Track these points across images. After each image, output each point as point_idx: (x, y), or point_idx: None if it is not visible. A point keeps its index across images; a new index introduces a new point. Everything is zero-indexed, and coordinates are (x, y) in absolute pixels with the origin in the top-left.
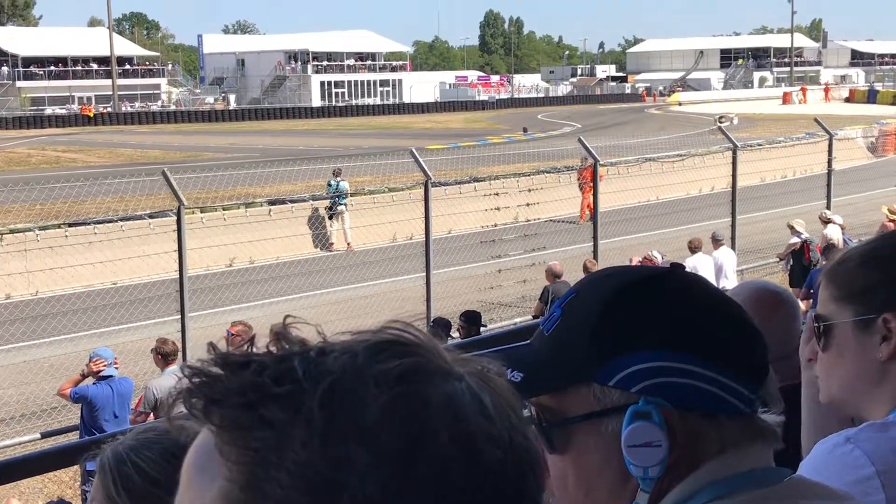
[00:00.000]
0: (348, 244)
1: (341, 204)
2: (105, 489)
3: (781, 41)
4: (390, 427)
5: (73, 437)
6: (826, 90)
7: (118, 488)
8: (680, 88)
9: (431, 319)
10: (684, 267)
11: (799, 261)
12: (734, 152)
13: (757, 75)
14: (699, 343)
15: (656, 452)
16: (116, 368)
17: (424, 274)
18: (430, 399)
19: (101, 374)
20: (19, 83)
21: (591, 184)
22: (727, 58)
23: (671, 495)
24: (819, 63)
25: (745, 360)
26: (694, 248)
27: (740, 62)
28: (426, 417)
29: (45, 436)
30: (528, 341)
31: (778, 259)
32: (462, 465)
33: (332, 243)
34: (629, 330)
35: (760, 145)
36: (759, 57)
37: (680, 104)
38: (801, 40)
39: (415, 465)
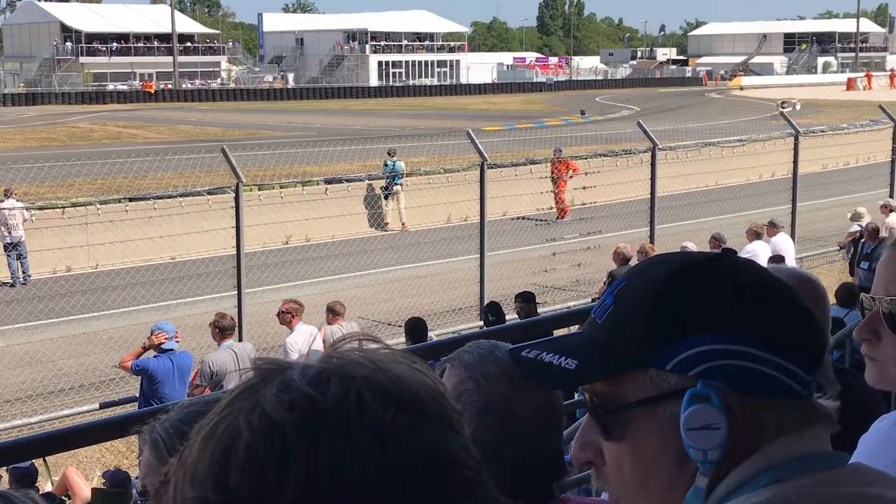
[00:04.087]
0: (403, 224)
1: (397, 184)
2: (157, 459)
3: (846, 26)
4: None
5: (131, 408)
6: (892, 76)
7: (168, 459)
8: (742, 73)
9: (486, 303)
10: (735, 252)
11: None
12: (796, 138)
13: (821, 60)
14: (754, 325)
15: (716, 435)
16: (177, 342)
17: (479, 256)
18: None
19: (162, 347)
20: (82, 59)
21: (565, 178)
22: (791, 42)
23: (729, 479)
24: (885, 49)
25: (800, 342)
26: (755, 233)
27: (804, 47)
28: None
29: (103, 406)
30: (580, 330)
31: (839, 248)
32: None
33: (387, 223)
34: (684, 314)
35: (823, 132)
36: (824, 42)
37: (742, 88)
38: (867, 25)
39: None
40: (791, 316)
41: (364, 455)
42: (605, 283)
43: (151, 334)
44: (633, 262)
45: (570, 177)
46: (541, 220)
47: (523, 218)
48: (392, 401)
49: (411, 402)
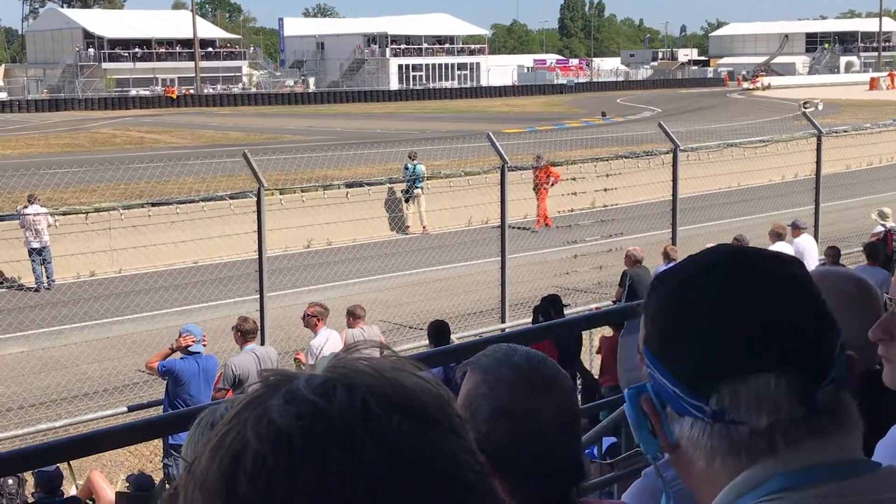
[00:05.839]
0: (424, 227)
1: (418, 187)
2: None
3: (869, 25)
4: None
5: (157, 412)
6: None
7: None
8: (764, 73)
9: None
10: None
11: (882, 250)
12: (819, 139)
13: (843, 60)
14: (747, 344)
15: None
16: (204, 346)
17: (500, 258)
18: None
19: (189, 349)
20: (105, 65)
21: (546, 186)
22: (813, 42)
23: (740, 479)
24: None
25: (797, 361)
26: (777, 234)
27: (826, 46)
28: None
29: (131, 409)
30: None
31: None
32: None
33: (408, 226)
34: (662, 348)
35: (846, 132)
36: (846, 41)
37: (763, 89)
38: (890, 24)
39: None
40: (789, 333)
41: (370, 461)
42: (619, 286)
43: (179, 336)
44: (646, 262)
45: (552, 184)
46: (525, 229)
47: (514, 228)
48: (397, 408)
49: (415, 409)
